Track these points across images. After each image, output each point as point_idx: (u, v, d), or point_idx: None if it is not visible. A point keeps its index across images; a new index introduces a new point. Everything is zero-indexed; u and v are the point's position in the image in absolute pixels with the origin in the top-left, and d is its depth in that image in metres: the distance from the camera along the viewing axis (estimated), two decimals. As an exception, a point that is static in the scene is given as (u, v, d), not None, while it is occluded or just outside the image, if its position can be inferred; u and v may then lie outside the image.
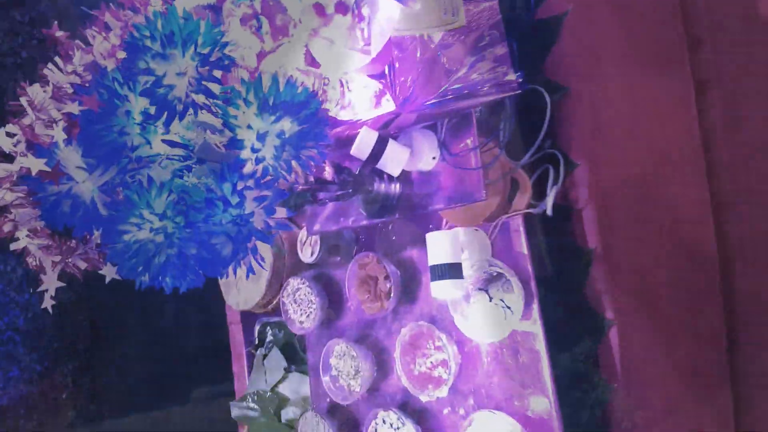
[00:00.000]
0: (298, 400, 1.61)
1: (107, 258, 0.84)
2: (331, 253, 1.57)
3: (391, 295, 1.27)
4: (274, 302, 1.74)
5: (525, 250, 1.12)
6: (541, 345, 1.09)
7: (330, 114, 1.26)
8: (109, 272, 0.90)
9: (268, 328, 1.81)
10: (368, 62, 1.17)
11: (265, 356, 1.74)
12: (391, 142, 1.18)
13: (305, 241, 1.62)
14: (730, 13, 1.70)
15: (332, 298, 1.50)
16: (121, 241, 0.82)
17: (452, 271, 1.06)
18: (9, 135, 0.90)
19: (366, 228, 1.49)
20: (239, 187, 0.87)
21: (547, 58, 1.27)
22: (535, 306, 1.09)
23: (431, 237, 1.11)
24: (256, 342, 1.86)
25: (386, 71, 1.17)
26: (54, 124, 0.88)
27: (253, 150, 0.87)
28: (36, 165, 0.80)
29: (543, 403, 1.08)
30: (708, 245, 1.50)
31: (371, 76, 1.19)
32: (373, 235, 1.48)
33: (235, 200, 0.87)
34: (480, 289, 1.14)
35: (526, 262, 1.11)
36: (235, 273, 0.90)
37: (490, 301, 1.12)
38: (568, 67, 1.26)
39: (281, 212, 0.93)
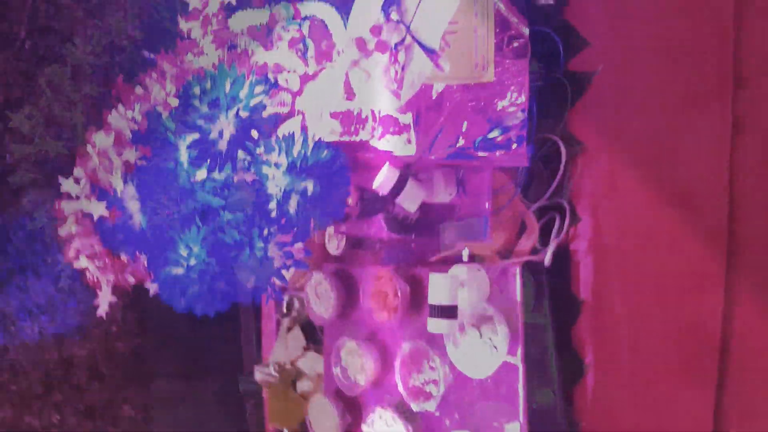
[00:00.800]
0: (313, 376, 1.80)
1: (152, 280, 1.01)
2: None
3: (398, 310, 1.41)
4: (303, 282, 1.91)
5: (518, 297, 1.23)
6: (520, 382, 1.22)
7: (362, 139, 1.37)
8: (152, 288, 1.07)
9: (295, 300, 1.99)
10: (398, 106, 1.27)
11: (289, 329, 1.93)
12: (410, 181, 1.29)
13: (332, 235, 1.76)
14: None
15: (350, 292, 1.65)
16: (163, 274, 0.97)
17: (447, 312, 1.19)
18: (75, 179, 1.06)
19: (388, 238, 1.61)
20: (265, 233, 1.01)
21: (570, 111, 1.32)
22: (520, 349, 1.21)
23: (433, 278, 1.23)
24: (284, 310, 2.05)
25: (413, 117, 1.26)
26: (113, 172, 1.03)
27: (278, 204, 1.00)
28: (97, 210, 0.95)
29: (516, 430, 1.23)
30: (713, 318, 1.54)
31: (398, 119, 1.28)
32: (396, 243, 1.60)
33: (260, 244, 1.01)
34: (473, 326, 1.26)
35: (517, 308, 1.23)
36: (258, 301, 1.06)
37: (481, 338, 1.25)
38: (591, 123, 1.32)
39: (299, 252, 1.07)
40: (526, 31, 1.20)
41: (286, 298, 2.08)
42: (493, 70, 1.19)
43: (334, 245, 1.75)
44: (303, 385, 1.82)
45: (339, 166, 1.03)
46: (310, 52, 1.35)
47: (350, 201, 1.35)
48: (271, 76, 1.33)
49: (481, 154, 1.16)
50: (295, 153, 0.99)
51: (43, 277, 2.36)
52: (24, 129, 2.34)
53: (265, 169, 0.99)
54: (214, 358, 2.44)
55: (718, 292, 1.57)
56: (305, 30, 1.33)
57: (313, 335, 1.87)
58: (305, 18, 1.34)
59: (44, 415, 2.48)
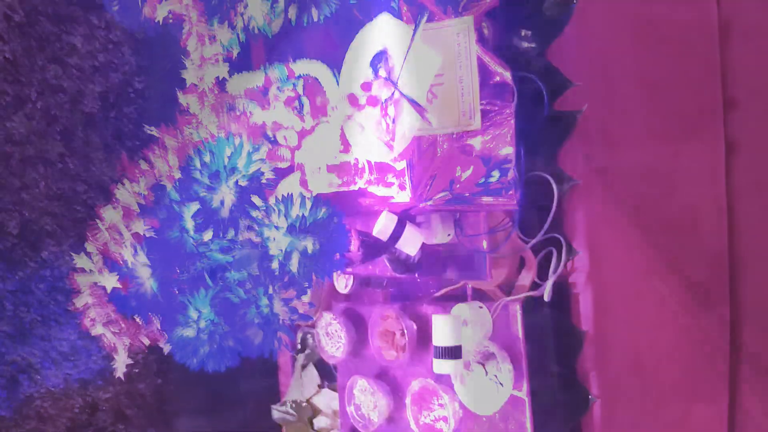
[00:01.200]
0: (329, 413, 1.85)
1: (166, 341, 1.06)
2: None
3: (406, 349, 1.45)
4: (315, 318, 1.96)
5: (520, 333, 1.27)
6: (527, 417, 1.25)
7: (360, 187, 1.43)
8: (166, 348, 1.13)
9: (309, 337, 2.04)
10: (392, 156, 1.32)
11: (304, 366, 1.98)
12: (408, 226, 1.33)
13: (340, 274, 1.82)
14: (766, 78, 1.72)
15: (360, 330, 1.69)
16: (175, 337, 1.03)
17: (452, 353, 1.23)
18: (87, 254, 1.13)
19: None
20: (270, 291, 1.06)
21: (560, 149, 1.37)
22: (525, 384, 1.25)
23: (436, 319, 1.27)
24: (299, 347, 2.10)
25: (407, 165, 1.31)
26: (123, 245, 1.09)
27: (281, 264, 1.05)
28: (110, 283, 1.02)
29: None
30: (722, 323, 1.57)
31: (393, 168, 1.34)
32: (401, 282, 1.65)
33: (265, 302, 1.06)
34: (479, 363, 1.30)
35: (520, 345, 1.26)
36: (266, 356, 1.11)
37: (486, 375, 1.28)
38: (580, 159, 1.36)
39: (304, 305, 1.12)
40: (509, 77, 1.25)
41: (299, 334, 2.13)
42: (479, 118, 1.24)
43: (343, 284, 1.80)
44: (320, 422, 1.87)
45: (336, 223, 1.08)
46: (306, 109, 1.41)
47: (353, 247, 1.40)
48: (270, 133, 1.39)
49: (473, 199, 1.21)
50: (293, 215, 1.04)
51: (65, 326, 2.44)
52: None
53: (266, 232, 1.04)
54: (236, 393, 2.49)
55: (724, 313, 1.60)
56: (300, 89, 1.40)
57: (328, 372, 1.91)
58: (299, 77, 1.40)
59: (71, 459, 2.55)
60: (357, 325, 1.69)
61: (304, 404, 1.88)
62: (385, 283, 1.70)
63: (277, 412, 1.95)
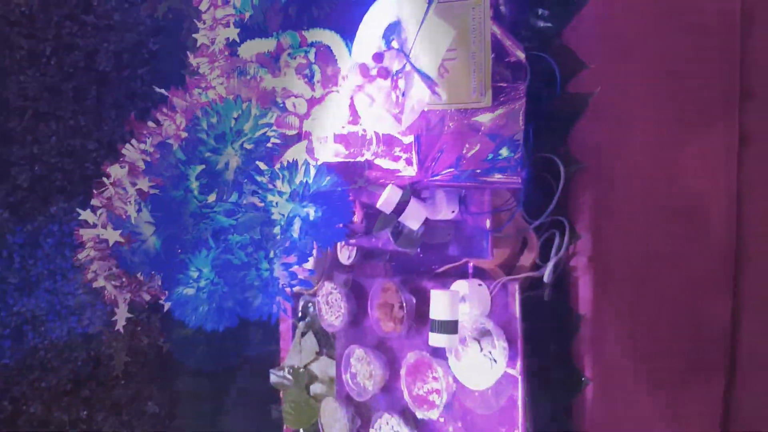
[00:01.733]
0: (325, 380, 1.87)
1: (166, 299, 1.08)
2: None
3: (404, 322, 1.47)
4: (316, 289, 1.98)
5: (517, 313, 1.27)
6: (519, 395, 1.27)
7: (367, 159, 1.43)
8: (167, 304, 1.15)
9: (310, 305, 2.06)
10: (400, 129, 1.32)
11: (303, 334, 2.00)
12: (412, 200, 1.34)
13: (343, 245, 1.83)
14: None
15: (360, 302, 1.71)
16: (175, 294, 1.05)
17: (448, 327, 1.24)
18: (92, 209, 1.14)
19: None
20: (270, 255, 1.07)
21: (570, 131, 1.36)
22: (519, 362, 1.26)
23: (435, 294, 1.28)
24: (300, 314, 2.12)
25: (414, 139, 1.31)
26: (127, 201, 1.10)
27: (283, 229, 1.06)
28: (113, 237, 1.03)
29: (515, 440, 1.28)
30: (722, 311, 1.57)
31: (400, 141, 1.33)
32: (403, 256, 1.66)
33: (265, 266, 1.07)
34: (474, 339, 1.31)
35: (516, 324, 1.27)
36: (264, 318, 1.12)
37: (481, 351, 1.30)
38: (590, 142, 1.35)
39: (304, 272, 1.13)
40: (523, 56, 1.23)
41: (301, 302, 2.15)
42: (490, 95, 1.24)
43: (346, 255, 1.81)
44: (316, 389, 1.89)
45: (340, 193, 1.09)
46: (317, 77, 1.40)
47: (356, 219, 1.41)
48: (279, 100, 1.39)
49: (479, 176, 1.21)
50: (297, 181, 1.05)
51: (71, 281, 2.48)
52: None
53: (269, 197, 1.05)
54: (237, 357, 2.54)
55: (725, 303, 1.60)
56: (311, 56, 1.39)
57: (327, 340, 1.93)
58: (311, 45, 1.39)
59: (73, 411, 2.60)
60: (358, 296, 1.71)
61: (302, 370, 1.91)
62: (389, 256, 1.71)
63: (275, 377, 1.98)
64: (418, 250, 1.51)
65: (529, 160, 1.22)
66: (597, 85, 1.32)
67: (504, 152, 1.19)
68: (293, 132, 1.43)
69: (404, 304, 1.48)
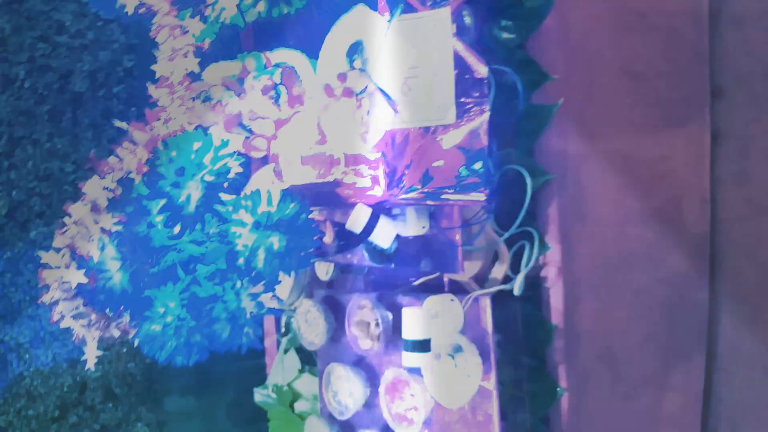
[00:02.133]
0: (309, 397, 1.87)
1: (133, 336, 1.08)
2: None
3: (380, 339, 1.47)
4: (296, 304, 1.98)
5: (489, 328, 1.28)
6: (494, 409, 1.27)
7: (336, 178, 1.43)
8: (136, 340, 1.14)
9: (292, 320, 2.06)
10: (367, 149, 1.32)
11: (286, 350, 2.00)
12: (381, 219, 1.34)
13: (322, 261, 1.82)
14: (753, 68, 1.70)
15: (339, 318, 1.71)
16: (143, 331, 1.04)
17: (421, 346, 1.24)
18: (55, 250, 1.13)
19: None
20: (237, 285, 1.07)
21: (535, 143, 1.36)
22: (493, 375, 1.26)
23: (406, 313, 1.28)
24: (283, 330, 2.12)
25: (381, 158, 1.31)
26: (90, 240, 1.10)
27: (246, 260, 1.06)
28: (76, 278, 1.02)
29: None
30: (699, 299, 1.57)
31: (367, 160, 1.34)
32: (379, 270, 1.66)
33: (232, 297, 1.07)
34: (449, 355, 1.32)
35: (489, 339, 1.28)
36: (234, 350, 1.12)
37: (456, 367, 1.30)
38: (557, 152, 1.35)
39: (270, 300, 1.13)
40: (486, 71, 1.23)
41: (284, 318, 2.15)
42: (454, 111, 1.24)
43: (324, 271, 1.81)
44: (300, 406, 1.89)
45: (304, 220, 1.09)
46: (283, 98, 1.40)
47: (327, 239, 1.40)
48: (246, 122, 1.38)
49: (444, 193, 1.21)
50: (259, 211, 1.04)
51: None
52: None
53: (233, 228, 1.05)
54: (224, 373, 2.53)
55: (702, 303, 1.61)
56: (276, 77, 1.39)
57: (309, 357, 1.93)
58: (276, 65, 1.39)
59: (61, 437, 2.60)
60: (336, 312, 1.71)
61: (285, 388, 1.91)
62: (367, 270, 1.71)
63: (259, 395, 1.98)
64: (392, 264, 1.51)
65: (498, 173, 1.22)
66: (563, 94, 1.32)
67: (467, 171, 1.20)
68: (261, 154, 1.43)
69: (380, 322, 1.48)
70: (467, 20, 1.32)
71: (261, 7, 1.12)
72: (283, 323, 2.13)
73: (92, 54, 2.64)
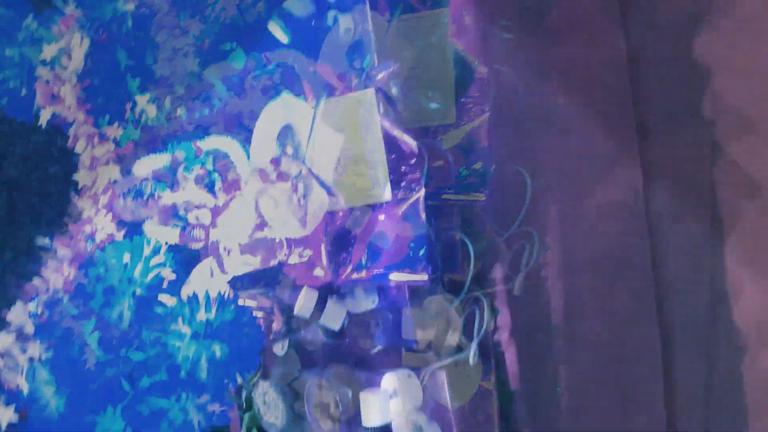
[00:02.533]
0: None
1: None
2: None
3: (341, 420, 1.43)
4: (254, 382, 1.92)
5: (449, 404, 1.26)
6: (463, 485, 1.24)
7: (280, 260, 1.40)
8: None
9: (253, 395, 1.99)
10: (306, 233, 1.30)
11: (249, 429, 1.93)
12: (329, 301, 1.31)
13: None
14: (676, 106, 1.76)
15: (298, 397, 1.66)
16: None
17: (381, 432, 1.22)
18: None
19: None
20: (183, 398, 1.03)
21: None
22: (457, 453, 1.24)
23: (364, 397, 1.25)
24: (244, 406, 2.05)
25: (322, 242, 1.30)
26: (19, 371, 1.04)
27: (188, 373, 1.02)
28: (5, 416, 0.96)
29: None
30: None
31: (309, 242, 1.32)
32: (334, 347, 1.63)
33: (177, 413, 1.02)
34: (410, 434, 1.29)
35: (449, 414, 1.25)
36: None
37: (419, 448, 1.27)
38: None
39: (218, 409, 1.09)
40: (416, 145, 1.24)
41: (244, 393, 2.08)
42: (389, 189, 1.23)
43: (280, 347, 1.77)
44: (269, 489, 1.82)
45: (246, 321, 1.06)
46: (218, 185, 1.38)
47: (276, 325, 1.37)
48: (182, 213, 1.35)
49: (385, 275, 1.20)
50: (198, 319, 1.01)
51: None
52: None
53: (171, 341, 1.01)
54: None
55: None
56: (209, 165, 1.37)
57: (273, 435, 1.87)
58: (207, 153, 1.37)
59: None
60: (295, 391, 1.66)
61: (252, 471, 1.83)
62: (321, 345, 1.68)
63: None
64: (347, 341, 1.48)
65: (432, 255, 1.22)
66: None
67: (409, 247, 1.19)
68: (200, 245, 1.39)
69: (340, 403, 1.44)
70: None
71: (181, 112, 1.10)
72: (243, 398, 2.06)
73: (24, 137, 2.58)
